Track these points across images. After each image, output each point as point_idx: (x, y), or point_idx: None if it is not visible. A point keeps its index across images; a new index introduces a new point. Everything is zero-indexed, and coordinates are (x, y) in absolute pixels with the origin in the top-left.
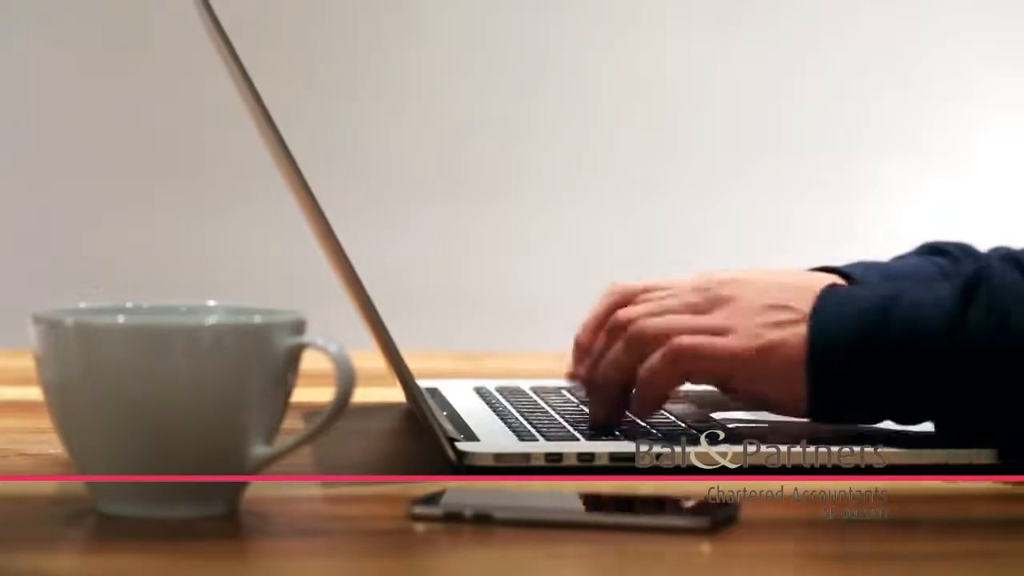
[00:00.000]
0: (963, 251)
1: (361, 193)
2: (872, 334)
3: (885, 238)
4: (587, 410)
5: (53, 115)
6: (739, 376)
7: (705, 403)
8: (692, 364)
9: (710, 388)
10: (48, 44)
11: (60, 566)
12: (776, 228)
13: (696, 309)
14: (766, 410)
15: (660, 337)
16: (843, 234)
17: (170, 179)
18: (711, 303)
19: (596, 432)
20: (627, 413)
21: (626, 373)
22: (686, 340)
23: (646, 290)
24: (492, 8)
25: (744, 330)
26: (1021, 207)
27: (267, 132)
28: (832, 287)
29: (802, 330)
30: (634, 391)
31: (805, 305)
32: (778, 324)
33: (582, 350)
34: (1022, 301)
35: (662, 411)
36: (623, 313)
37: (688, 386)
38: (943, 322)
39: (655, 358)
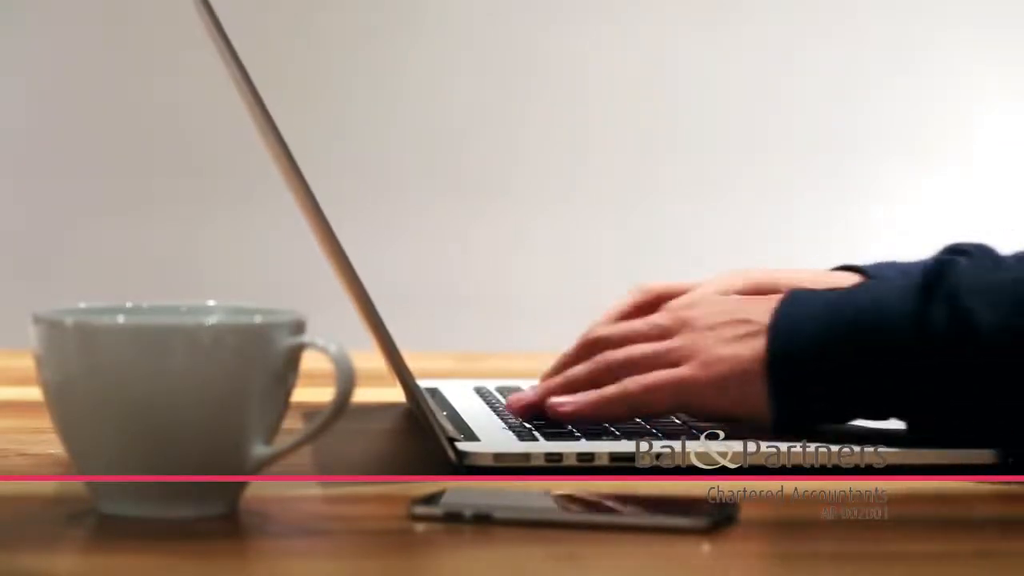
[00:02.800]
0: (981, 251)
1: (361, 193)
2: (833, 332)
3: (885, 238)
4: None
5: (53, 115)
6: (699, 399)
7: None
8: (652, 404)
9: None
10: (48, 44)
11: (60, 566)
12: (776, 228)
13: (660, 331)
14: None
15: (618, 369)
16: (843, 234)
17: (170, 179)
18: (676, 324)
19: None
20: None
21: (586, 402)
22: (650, 378)
23: (669, 291)
24: (492, 8)
25: (703, 351)
26: (1022, 207)
27: (267, 132)
28: (793, 293)
29: (761, 342)
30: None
31: (764, 316)
32: (736, 339)
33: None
34: (980, 292)
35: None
36: (594, 330)
37: None
38: (904, 316)
39: (616, 392)
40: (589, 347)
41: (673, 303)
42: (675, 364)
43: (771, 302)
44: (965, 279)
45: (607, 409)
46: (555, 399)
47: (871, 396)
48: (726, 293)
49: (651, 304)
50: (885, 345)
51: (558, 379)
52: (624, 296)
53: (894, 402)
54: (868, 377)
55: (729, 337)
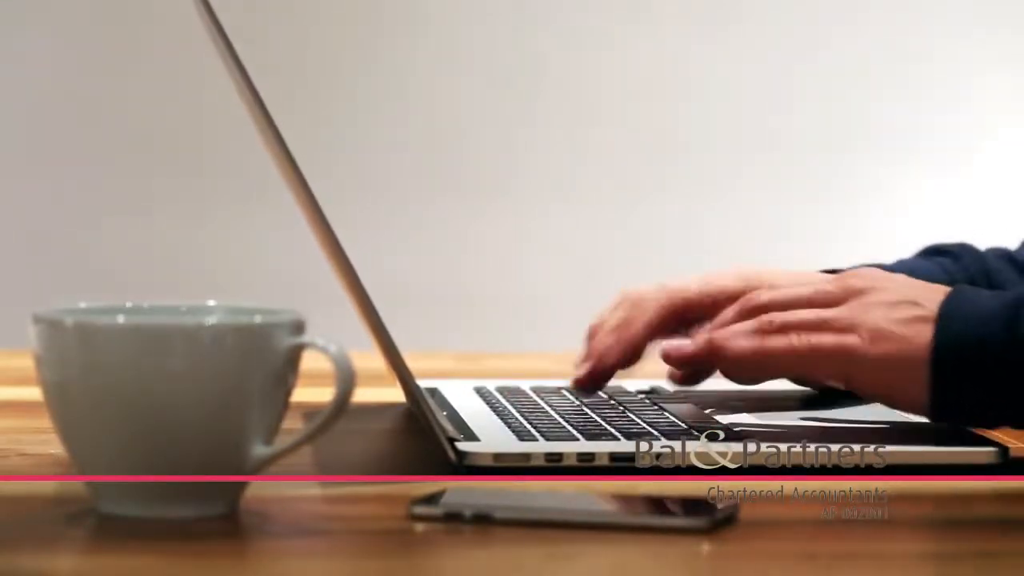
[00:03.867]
0: (964, 249)
1: (361, 193)
2: (998, 337)
3: (885, 238)
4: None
5: (53, 115)
6: (862, 374)
7: (706, 403)
8: (818, 365)
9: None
10: (48, 44)
11: (60, 566)
12: (776, 228)
13: (828, 298)
14: (886, 405)
15: (789, 327)
16: (843, 234)
17: (170, 179)
18: (843, 293)
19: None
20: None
21: (750, 346)
22: (816, 340)
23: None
24: (492, 8)
25: (872, 326)
26: (1022, 207)
27: (267, 132)
28: (961, 288)
29: (929, 329)
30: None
31: (934, 304)
32: (906, 321)
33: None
34: None
35: (665, 412)
36: (758, 294)
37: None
38: None
39: (781, 345)
40: (752, 312)
41: (842, 274)
42: (843, 332)
43: (941, 291)
44: None
45: (771, 360)
46: (719, 335)
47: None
48: (720, 287)
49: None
50: None
51: (722, 331)
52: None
53: None
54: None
55: (899, 318)
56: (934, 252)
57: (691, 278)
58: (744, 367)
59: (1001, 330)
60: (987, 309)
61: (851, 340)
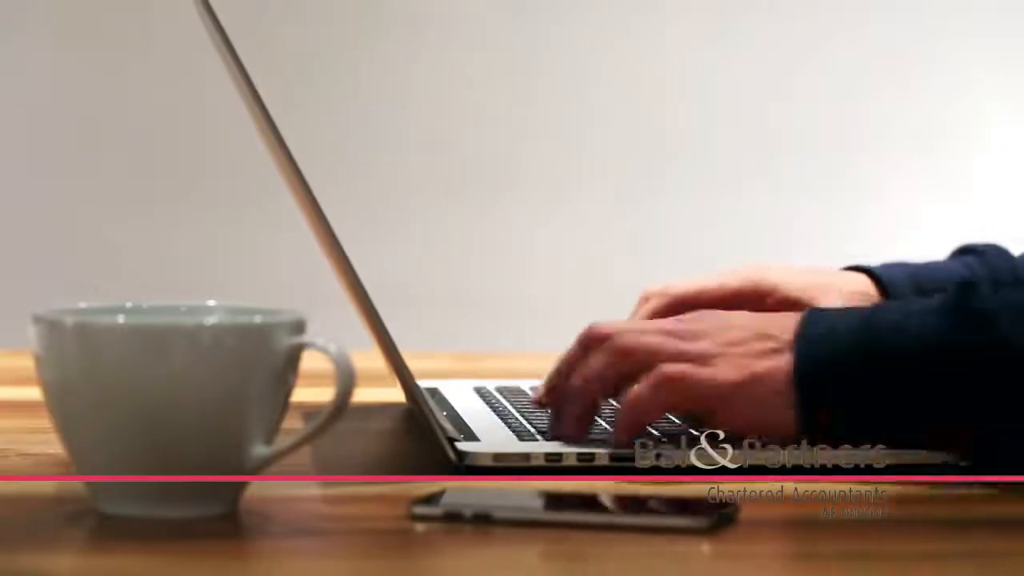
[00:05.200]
0: (995, 250)
1: (361, 194)
2: (857, 352)
3: (886, 239)
4: (549, 422)
5: (53, 115)
6: (725, 407)
7: None
8: (680, 394)
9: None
10: (49, 44)
11: (60, 566)
12: (776, 228)
13: (676, 335)
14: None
15: (643, 355)
16: (843, 235)
17: (170, 179)
18: (692, 332)
19: (558, 440)
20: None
21: (605, 386)
22: (673, 368)
23: (673, 292)
24: (492, 8)
25: (729, 360)
26: (1022, 209)
27: (267, 132)
28: (813, 312)
29: (787, 358)
30: (617, 413)
31: (787, 334)
32: (762, 353)
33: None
34: (1011, 314)
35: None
36: (601, 328)
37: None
38: (928, 338)
39: (643, 384)
40: (595, 340)
41: (684, 318)
42: (702, 365)
43: (789, 319)
44: (990, 302)
45: (642, 405)
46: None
47: (892, 415)
48: (722, 290)
49: (676, 309)
50: (910, 366)
51: (580, 374)
52: (648, 302)
53: (915, 422)
54: (892, 397)
55: (754, 352)
56: (964, 252)
57: (699, 277)
58: (628, 430)
59: (856, 345)
60: (841, 326)
61: (717, 371)
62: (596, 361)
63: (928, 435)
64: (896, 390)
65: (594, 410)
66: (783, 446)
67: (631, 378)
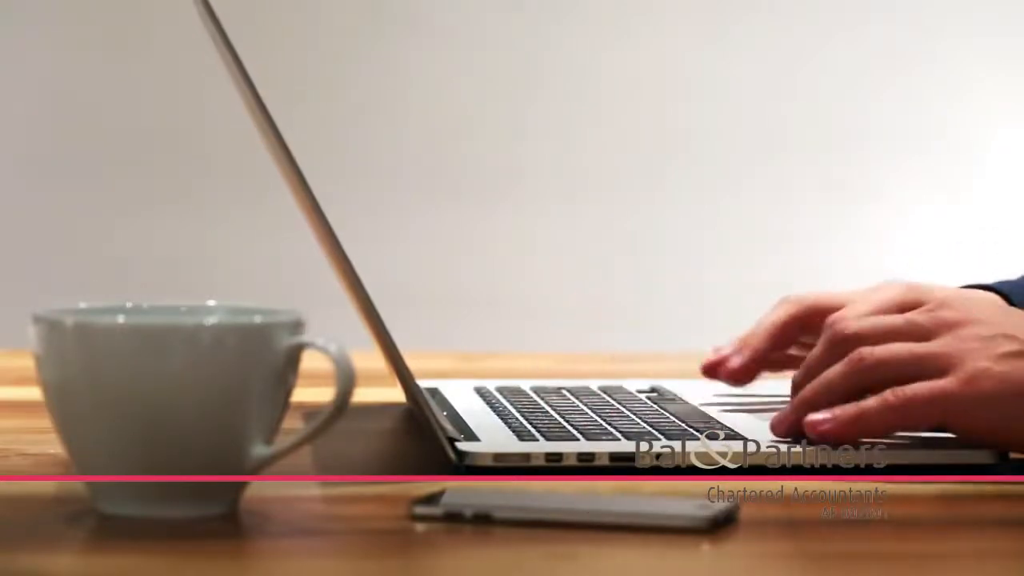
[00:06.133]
0: None
1: (361, 193)
2: None
3: (886, 239)
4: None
5: (53, 115)
6: (961, 417)
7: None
8: (911, 416)
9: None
10: (48, 44)
11: (60, 566)
12: (776, 228)
13: (920, 331)
14: (993, 447)
15: (884, 370)
16: (843, 235)
17: (170, 179)
18: (935, 326)
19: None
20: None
21: (838, 398)
22: (906, 392)
23: (821, 304)
24: (492, 8)
25: (970, 362)
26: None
27: (267, 132)
28: None
29: None
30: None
31: None
32: (1002, 357)
33: (759, 357)
34: None
35: (667, 414)
36: (847, 326)
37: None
38: None
39: (871, 411)
40: (841, 344)
41: (930, 303)
42: (938, 371)
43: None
44: None
45: (867, 426)
46: (813, 418)
47: None
48: (886, 303)
49: (807, 318)
50: None
51: (813, 386)
52: (777, 308)
53: None
54: None
55: (997, 354)
56: None
57: (854, 295)
58: (844, 439)
59: None
60: None
61: (949, 385)
62: (834, 375)
63: None
64: None
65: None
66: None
67: (867, 389)
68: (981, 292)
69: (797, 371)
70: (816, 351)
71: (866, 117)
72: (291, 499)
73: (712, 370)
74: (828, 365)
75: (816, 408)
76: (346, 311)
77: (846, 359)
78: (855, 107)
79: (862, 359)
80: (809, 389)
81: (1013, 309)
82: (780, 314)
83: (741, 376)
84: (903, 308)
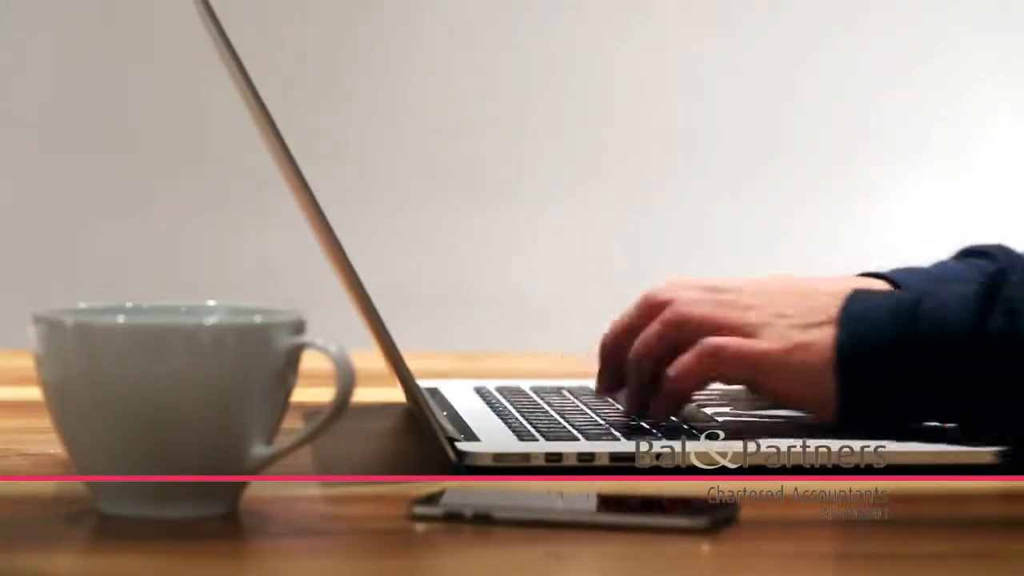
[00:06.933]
0: (1003, 252)
1: (361, 193)
2: (899, 334)
3: (886, 239)
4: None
5: (53, 115)
6: (768, 376)
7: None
8: (723, 364)
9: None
10: (48, 44)
11: (60, 566)
12: (777, 229)
13: (728, 305)
14: (794, 409)
15: (694, 326)
16: (843, 234)
17: (170, 179)
18: (743, 306)
19: (633, 419)
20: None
21: (656, 356)
22: (718, 340)
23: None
24: (492, 8)
25: (775, 330)
26: (1022, 208)
27: (267, 132)
28: (859, 291)
29: (830, 331)
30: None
31: (834, 310)
32: (808, 326)
33: (606, 356)
34: None
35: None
36: (659, 295)
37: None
38: (966, 323)
39: (686, 357)
40: (654, 307)
41: (729, 290)
42: (747, 335)
43: (835, 297)
44: (1020, 290)
45: (685, 373)
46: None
47: (930, 397)
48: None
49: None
50: (945, 349)
51: (635, 346)
52: (634, 305)
53: (951, 404)
54: (929, 378)
55: (800, 324)
56: (970, 254)
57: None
58: (674, 396)
59: (900, 326)
60: (886, 307)
61: (760, 343)
62: (651, 332)
63: (966, 418)
64: (935, 372)
65: (651, 382)
66: (820, 422)
67: (681, 348)
68: (777, 276)
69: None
70: (629, 314)
71: (866, 117)
72: (291, 499)
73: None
74: (641, 327)
75: (641, 361)
76: (346, 311)
77: (660, 317)
78: (855, 107)
79: (677, 314)
80: (631, 350)
81: (823, 289)
82: (634, 311)
83: (606, 395)
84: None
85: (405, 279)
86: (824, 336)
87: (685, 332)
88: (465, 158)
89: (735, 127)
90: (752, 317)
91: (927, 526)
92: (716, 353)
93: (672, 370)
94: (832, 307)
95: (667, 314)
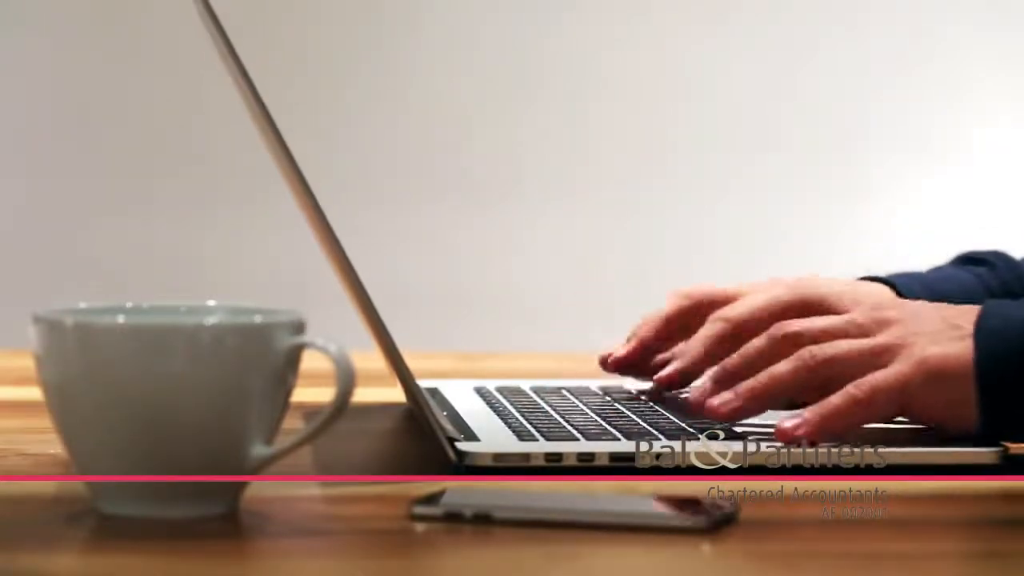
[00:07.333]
0: (998, 257)
1: (361, 193)
2: None
3: (886, 239)
4: (696, 397)
5: (53, 115)
6: (917, 404)
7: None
8: (881, 406)
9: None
10: (48, 44)
11: (60, 566)
12: (777, 229)
13: (859, 330)
14: (939, 429)
15: (832, 368)
16: (843, 235)
17: (170, 179)
18: (874, 324)
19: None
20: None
21: (781, 392)
22: (873, 382)
23: (711, 297)
24: (492, 8)
25: (916, 348)
26: (1022, 207)
27: (267, 132)
28: (991, 301)
29: (969, 344)
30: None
31: (969, 324)
32: (950, 340)
33: (645, 346)
34: None
35: (665, 413)
36: (793, 325)
37: None
38: None
39: (843, 402)
40: (784, 340)
41: (865, 303)
42: (884, 364)
43: (971, 310)
44: None
45: (838, 423)
46: (784, 426)
47: None
48: (774, 301)
49: (694, 310)
50: None
51: (760, 379)
52: (667, 301)
53: None
54: None
55: (941, 339)
56: (968, 260)
57: (744, 288)
58: (816, 440)
59: None
60: (1016, 321)
61: (901, 370)
62: (783, 370)
63: None
64: None
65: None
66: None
67: (817, 389)
68: (874, 284)
69: (731, 356)
70: (758, 342)
71: (866, 117)
72: (291, 499)
73: (604, 363)
74: (768, 358)
75: (761, 399)
76: (346, 311)
77: (794, 356)
78: (855, 107)
79: (812, 356)
80: (756, 381)
81: (940, 304)
82: (667, 307)
83: (624, 363)
84: (794, 301)
85: (405, 279)
86: (964, 348)
87: (819, 374)
88: (465, 158)
89: (735, 127)
90: (883, 340)
91: (927, 526)
92: (869, 397)
93: (826, 423)
94: (967, 322)
95: (803, 354)
